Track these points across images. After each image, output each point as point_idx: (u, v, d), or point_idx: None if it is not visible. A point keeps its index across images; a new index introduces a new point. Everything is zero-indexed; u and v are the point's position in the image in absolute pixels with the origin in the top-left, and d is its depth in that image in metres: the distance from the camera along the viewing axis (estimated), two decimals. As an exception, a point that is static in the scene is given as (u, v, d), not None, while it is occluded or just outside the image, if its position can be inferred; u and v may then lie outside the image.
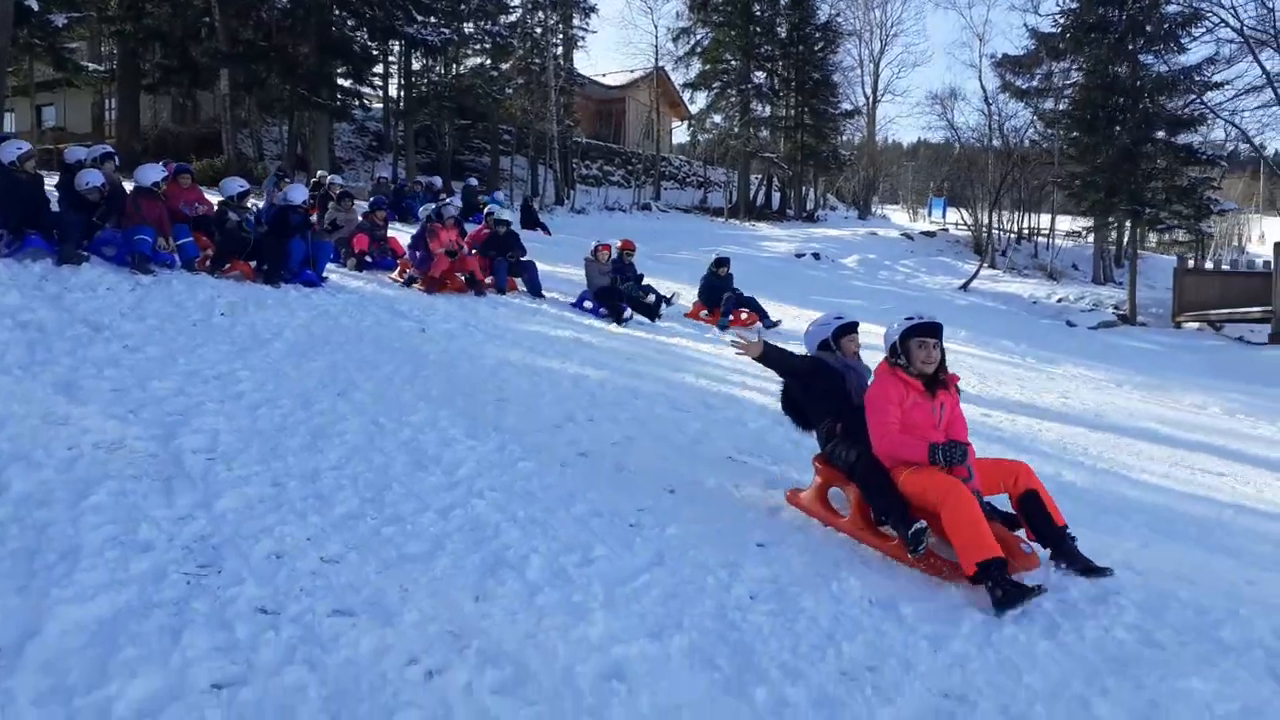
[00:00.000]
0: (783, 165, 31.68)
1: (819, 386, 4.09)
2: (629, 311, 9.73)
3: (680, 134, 39.39)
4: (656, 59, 32.17)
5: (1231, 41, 17.81)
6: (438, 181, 18.98)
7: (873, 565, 3.59)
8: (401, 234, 11.85)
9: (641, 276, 10.85)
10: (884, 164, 45.00)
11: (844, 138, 36.95)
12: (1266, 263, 19.32)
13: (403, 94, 25.23)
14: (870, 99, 42.89)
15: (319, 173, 15.38)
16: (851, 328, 4.38)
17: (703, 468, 4.53)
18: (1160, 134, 20.45)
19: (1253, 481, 6.02)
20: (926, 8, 63.72)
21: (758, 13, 30.11)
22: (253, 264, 7.98)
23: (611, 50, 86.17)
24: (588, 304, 9.96)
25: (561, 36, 28.75)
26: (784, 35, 30.66)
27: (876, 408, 3.67)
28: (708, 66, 30.97)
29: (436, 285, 8.94)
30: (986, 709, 2.59)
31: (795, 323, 11.22)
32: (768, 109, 31.74)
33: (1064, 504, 4.77)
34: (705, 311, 11.00)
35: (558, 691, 2.43)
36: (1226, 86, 19.47)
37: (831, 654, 2.81)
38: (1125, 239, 24.81)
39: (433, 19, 21.92)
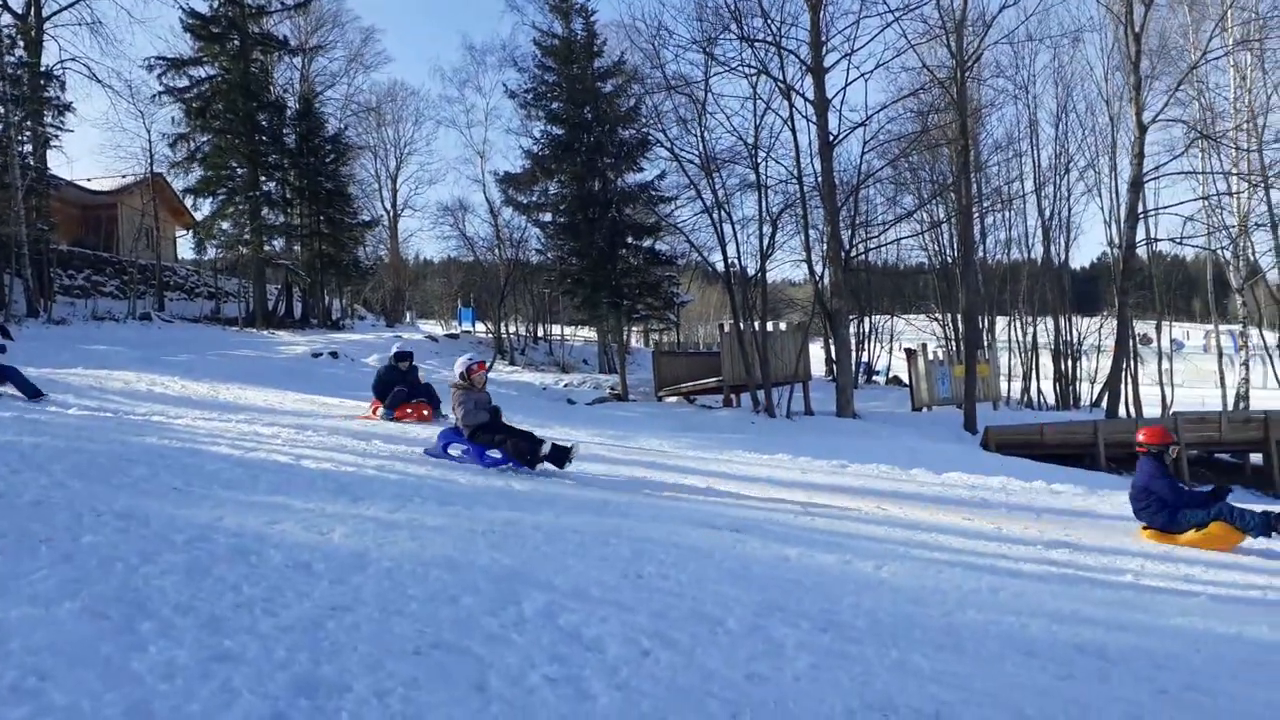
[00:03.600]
0: (300, 273, 31.21)
1: None
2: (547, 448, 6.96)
3: (186, 243, 36.92)
4: (151, 164, 30.04)
5: (671, 161, 22.01)
6: None
7: (295, 540, 3.92)
8: None
9: None
10: (412, 277, 46.53)
11: (368, 249, 37.61)
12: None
13: None
14: (391, 213, 44.48)
15: None
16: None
17: (141, 498, 4.50)
18: (630, 239, 24.22)
19: (672, 476, 7.53)
20: (433, 127, 67.97)
21: (263, 121, 29.71)
22: None
23: (98, 154, 78.40)
24: (455, 449, 7.43)
25: (30, 134, 25.62)
26: (293, 145, 30.58)
27: None
28: (210, 173, 29.59)
29: None
30: (368, 611, 3.07)
31: (300, 405, 11.28)
32: (281, 216, 31.18)
33: (516, 483, 5.59)
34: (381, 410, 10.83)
35: (-94, 652, 2.38)
36: (678, 200, 24.01)
37: (231, 595, 3.08)
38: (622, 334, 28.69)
39: None
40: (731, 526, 5.34)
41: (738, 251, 20.84)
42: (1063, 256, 31.14)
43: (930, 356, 22.34)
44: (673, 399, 21.20)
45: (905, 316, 35.69)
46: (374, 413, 11.01)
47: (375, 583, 3.44)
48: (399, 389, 10.92)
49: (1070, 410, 27.45)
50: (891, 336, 34.55)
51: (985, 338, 28.38)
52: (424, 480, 6.07)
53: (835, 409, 19.14)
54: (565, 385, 22.27)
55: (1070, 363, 30.07)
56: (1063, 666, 3.27)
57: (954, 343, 28.35)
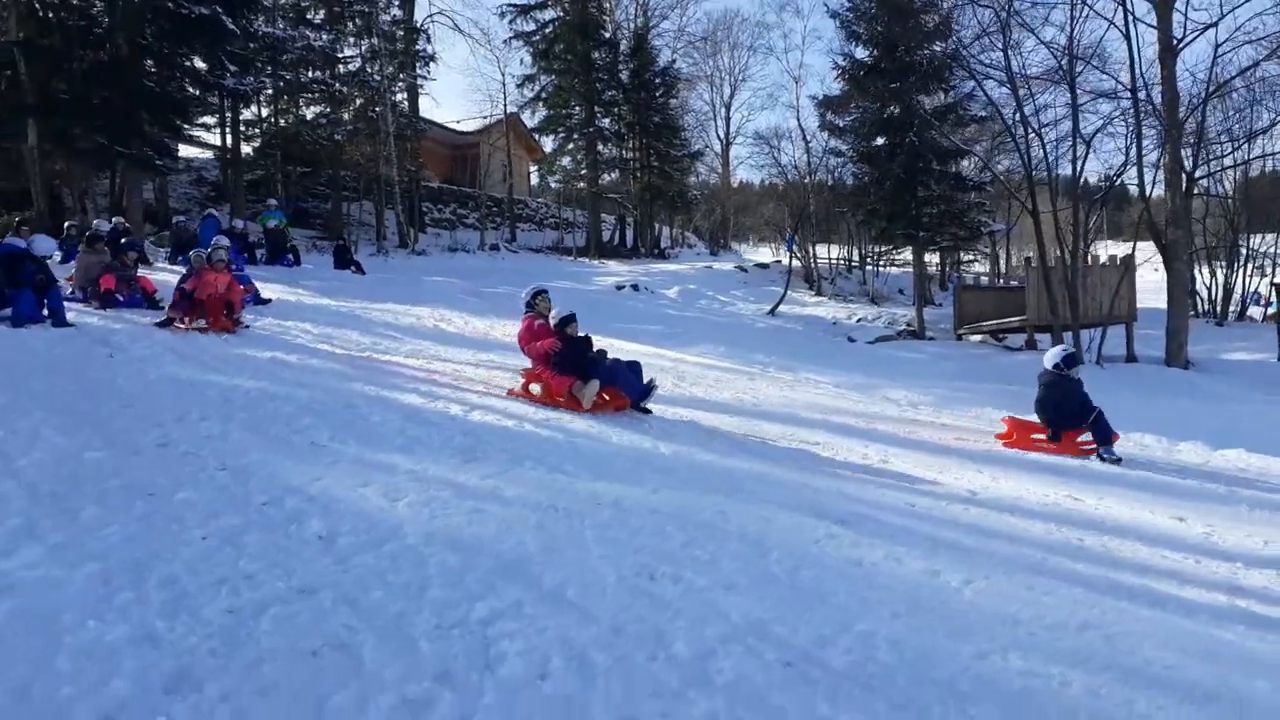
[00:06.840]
0: (629, 205, 32.92)
1: None
2: None
3: (537, 177, 40.47)
4: (505, 105, 33.17)
5: (972, 79, 19.84)
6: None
7: (356, 508, 4.24)
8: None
9: None
10: (741, 203, 46.86)
11: (697, 178, 38.60)
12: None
13: (231, 143, 25.36)
14: (723, 141, 45.03)
15: (114, 219, 15.70)
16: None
17: (274, 453, 5.10)
18: (935, 164, 22.31)
19: (856, 444, 6.99)
20: (764, 55, 67.39)
21: (598, 60, 31.37)
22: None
23: (462, 98, 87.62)
24: None
25: (402, 84, 29.34)
26: (626, 80, 31.97)
27: None
28: (552, 112, 32.05)
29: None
30: (328, 597, 3.28)
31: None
32: (615, 151, 32.95)
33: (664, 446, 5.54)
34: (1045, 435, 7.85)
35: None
36: (988, 121, 21.62)
37: (224, 568, 3.43)
38: (945, 263, 26.89)
39: (261, 67, 22.35)
40: (840, 517, 4.84)
41: (1049, 174, 18.41)
42: None
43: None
44: (975, 337, 19.52)
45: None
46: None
47: (373, 562, 3.61)
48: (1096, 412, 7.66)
49: None
50: (1275, 262, 28.28)
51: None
52: (572, 442, 6.16)
53: (1165, 356, 16.42)
54: (857, 320, 21.46)
55: None
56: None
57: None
